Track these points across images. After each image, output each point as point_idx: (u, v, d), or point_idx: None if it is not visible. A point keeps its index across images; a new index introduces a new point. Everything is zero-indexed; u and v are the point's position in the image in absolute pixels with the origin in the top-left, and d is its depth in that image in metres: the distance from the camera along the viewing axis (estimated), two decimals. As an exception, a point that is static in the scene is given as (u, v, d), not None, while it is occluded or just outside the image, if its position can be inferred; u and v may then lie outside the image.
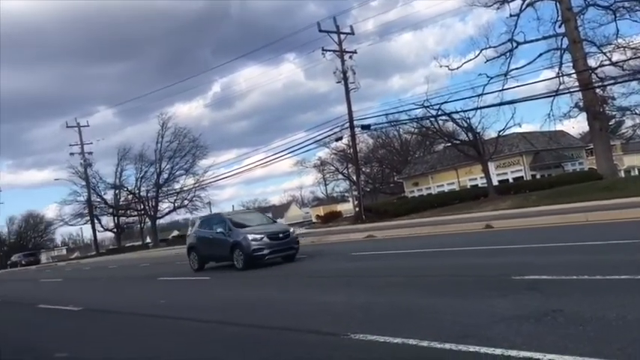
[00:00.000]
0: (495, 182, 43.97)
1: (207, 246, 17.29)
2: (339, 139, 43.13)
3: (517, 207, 28.60)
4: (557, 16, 36.07)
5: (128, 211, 71.46)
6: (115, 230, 71.99)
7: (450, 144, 47.33)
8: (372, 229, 26.05)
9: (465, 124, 39.86)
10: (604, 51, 34.87)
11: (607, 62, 34.59)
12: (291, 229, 16.98)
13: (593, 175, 37.31)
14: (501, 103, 36.40)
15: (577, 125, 61.47)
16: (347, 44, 40.01)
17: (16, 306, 15.81)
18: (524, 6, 36.79)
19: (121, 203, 69.88)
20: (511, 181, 46.82)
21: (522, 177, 46.93)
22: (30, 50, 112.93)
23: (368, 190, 66.00)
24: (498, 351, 4.58)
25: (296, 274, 13.36)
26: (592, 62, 35.61)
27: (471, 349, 4.75)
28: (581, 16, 35.82)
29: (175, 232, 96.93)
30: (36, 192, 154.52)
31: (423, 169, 55.67)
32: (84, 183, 65.04)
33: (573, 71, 35.70)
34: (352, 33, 40.44)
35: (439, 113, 38.79)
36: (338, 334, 5.95)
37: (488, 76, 37.01)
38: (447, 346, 4.93)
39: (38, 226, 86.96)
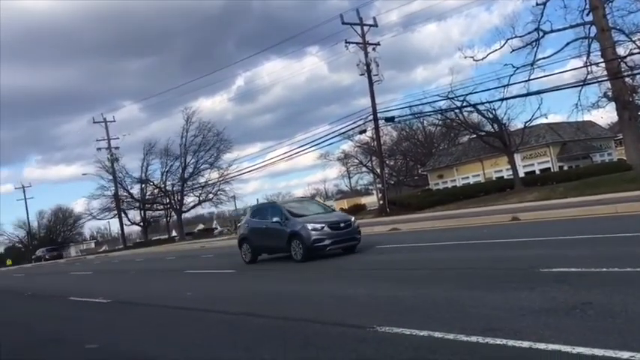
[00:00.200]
0: (521, 174, 43.45)
1: (261, 237, 16.28)
2: (363, 131, 43.08)
3: (544, 199, 28.26)
4: (585, 4, 35.43)
5: (154, 205, 72.49)
6: (141, 224, 73.10)
7: (475, 135, 46.89)
8: (397, 222, 25.94)
9: (491, 116, 39.47)
10: (633, 39, 34.17)
11: (636, 50, 33.90)
12: (352, 218, 15.71)
13: (622, 166, 36.61)
14: (528, 94, 35.93)
15: (606, 115, 60.39)
16: (370, 36, 39.91)
17: (47, 299, 16.16)
18: (550, -6, 36.17)
19: (147, 197, 70.91)
20: (538, 172, 46.20)
21: (549, 168, 46.26)
22: (57, 48, 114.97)
23: (392, 182, 65.76)
24: (526, 344, 4.53)
25: (319, 267, 13.38)
26: (621, 51, 34.96)
27: (498, 341, 4.71)
28: (610, 4, 35.17)
29: (201, 226, 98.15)
30: (64, 187, 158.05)
31: (447, 162, 55.23)
32: (111, 177, 66.20)
33: (602, 60, 34.99)
34: (375, 25, 40.29)
35: (464, 104, 38.46)
36: (364, 326, 5.96)
37: (514, 67, 36.47)
38: (474, 338, 4.89)
39: (67, 220, 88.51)
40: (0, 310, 15.28)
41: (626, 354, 3.99)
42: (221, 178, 65.85)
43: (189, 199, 69.64)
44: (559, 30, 37.20)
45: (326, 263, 13.70)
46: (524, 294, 6.43)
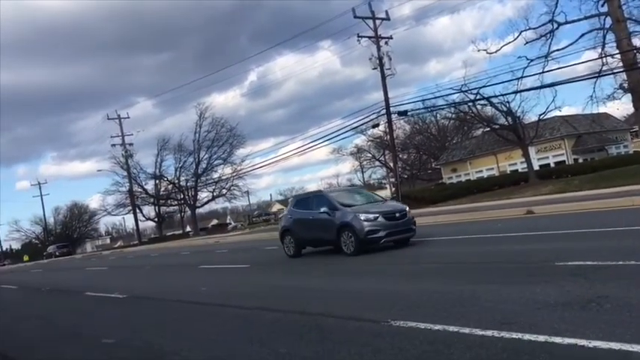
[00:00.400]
0: (536, 167, 43.14)
1: (306, 229, 15.18)
2: (376, 125, 42.91)
3: (559, 192, 28.02)
4: (600, -5, 34.91)
5: (168, 201, 72.89)
6: (156, 220, 73.61)
7: (488, 129, 46.62)
8: (410, 216, 25.80)
9: (505, 109, 39.19)
10: (649, 30, 33.65)
11: (653, 41, 33.41)
12: (407, 208, 14.66)
13: (638, 159, 36.22)
14: (542, 86, 35.52)
15: (621, 107, 59.77)
16: (382, 30, 39.58)
17: (64, 294, 16.36)
18: (565, -15, 35.75)
19: (161, 193, 71.31)
20: (552, 165, 45.85)
21: (564, 161, 45.88)
22: (72, 46, 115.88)
23: (405, 176, 65.59)
24: (542, 338, 4.51)
25: (330, 262, 13.39)
26: (637, 42, 34.42)
27: (514, 335, 4.70)
28: (625, -5, 34.59)
29: (215, 221, 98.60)
30: (80, 183, 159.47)
31: (461, 155, 54.97)
32: (125, 174, 66.52)
33: (617, 51, 34.50)
34: (388, 18, 40.00)
35: (477, 98, 38.20)
36: (378, 320, 5.96)
37: (528, 59, 36.02)
38: (489, 332, 4.88)
39: (82, 216, 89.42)
40: (20, 305, 15.50)
41: (643, 348, 3.95)
42: (234, 174, 66.03)
43: (203, 195, 69.97)
44: (574, 21, 36.68)
45: (335, 257, 13.70)
46: (540, 288, 6.40)
